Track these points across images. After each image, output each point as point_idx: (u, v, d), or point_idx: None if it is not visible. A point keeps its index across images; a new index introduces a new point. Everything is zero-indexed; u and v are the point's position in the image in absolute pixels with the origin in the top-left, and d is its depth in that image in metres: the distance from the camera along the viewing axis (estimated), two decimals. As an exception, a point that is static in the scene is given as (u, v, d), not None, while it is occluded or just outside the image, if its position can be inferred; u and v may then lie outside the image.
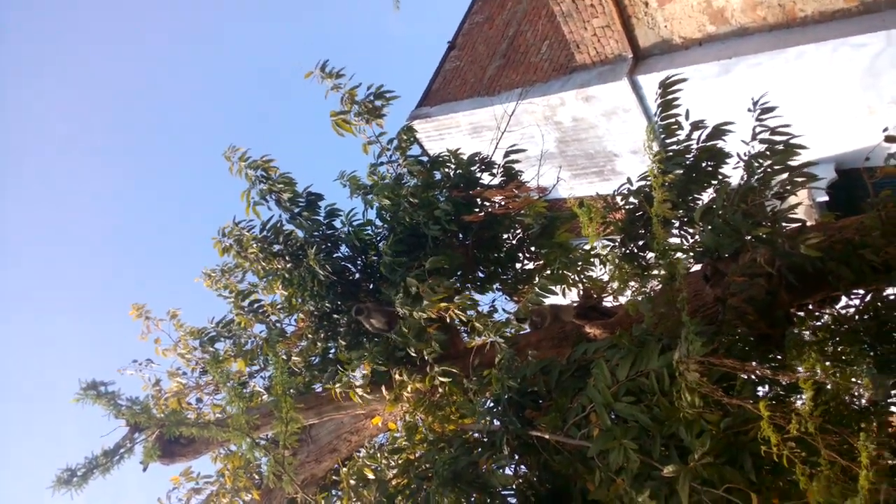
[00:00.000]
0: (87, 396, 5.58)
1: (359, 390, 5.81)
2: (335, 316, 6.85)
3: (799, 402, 3.43)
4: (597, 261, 5.97)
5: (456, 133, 12.14)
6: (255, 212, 6.91)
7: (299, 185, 6.86)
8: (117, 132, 34.46)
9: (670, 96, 5.02)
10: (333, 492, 6.93)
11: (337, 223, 6.93)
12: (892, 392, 3.89)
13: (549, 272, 6.09)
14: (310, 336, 6.84)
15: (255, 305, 7.23)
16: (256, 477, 6.84)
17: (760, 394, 3.85)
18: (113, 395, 5.67)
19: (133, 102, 35.40)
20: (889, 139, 4.25)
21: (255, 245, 6.91)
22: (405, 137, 6.82)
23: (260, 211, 6.91)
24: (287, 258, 6.89)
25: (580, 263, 5.93)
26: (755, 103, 4.66)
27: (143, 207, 35.80)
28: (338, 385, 5.79)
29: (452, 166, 6.63)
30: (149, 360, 7.25)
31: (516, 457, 4.60)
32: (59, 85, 31.54)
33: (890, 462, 2.52)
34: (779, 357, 4.11)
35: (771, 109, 4.63)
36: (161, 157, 36.38)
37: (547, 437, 4.22)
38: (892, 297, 4.31)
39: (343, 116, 6.61)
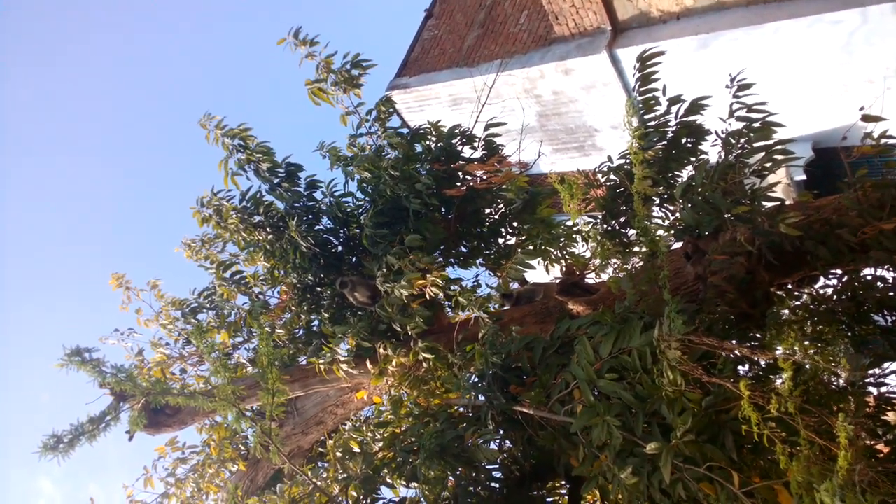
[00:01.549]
0: (71, 362, 5.54)
1: (343, 365, 5.84)
2: (318, 289, 6.85)
3: (779, 382, 3.54)
4: (579, 237, 6.03)
5: (436, 104, 12.04)
6: (233, 182, 6.84)
7: (278, 156, 6.81)
8: (94, 99, 33.54)
9: (648, 70, 5.02)
10: (319, 464, 7.01)
11: (318, 195, 6.90)
12: (869, 372, 4.03)
13: (529, 247, 6.15)
14: (293, 309, 6.85)
15: (237, 277, 7.20)
16: (242, 448, 6.90)
17: (741, 373, 3.96)
18: (98, 362, 5.63)
19: (107, 69, 34.41)
20: (866, 118, 4.31)
21: (234, 215, 6.85)
22: (384, 108, 6.78)
23: (238, 181, 6.85)
24: (268, 229, 6.85)
25: (562, 240, 5.99)
26: (732, 80, 4.68)
27: (120, 176, 35.09)
28: (321, 360, 5.82)
29: (433, 139, 6.61)
30: (131, 330, 7.21)
31: (501, 432, 4.68)
32: (29, 50, 30.48)
33: (867, 442, 2.63)
34: (758, 336, 4.21)
35: (748, 86, 4.66)
36: (139, 124, 35.54)
37: (531, 412, 4.30)
38: (868, 278, 4.41)
39: (319, 85, 6.54)
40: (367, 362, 5.98)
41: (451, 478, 4.85)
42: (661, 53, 5.04)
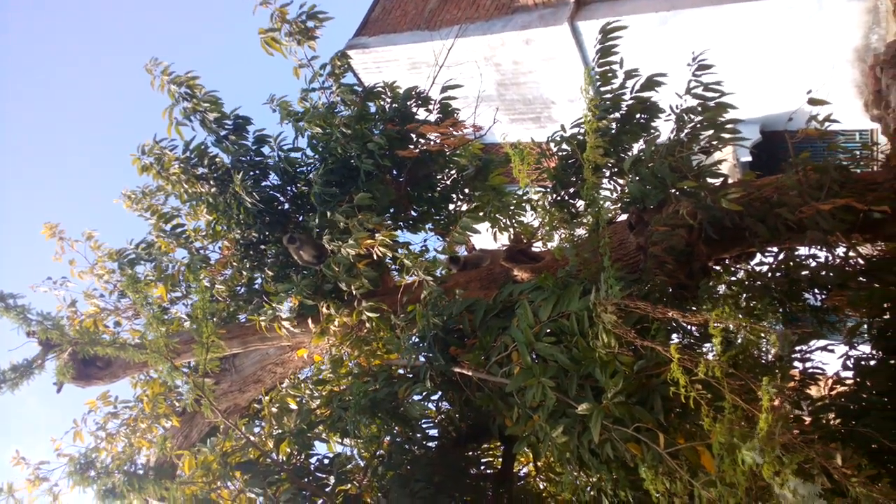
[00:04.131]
0: (-7, 308, 5.33)
1: (285, 323, 5.74)
2: (262, 246, 6.71)
3: (710, 356, 3.61)
4: (528, 206, 6.04)
5: (394, 67, 11.84)
6: (177, 131, 6.61)
7: (226, 108, 6.60)
8: (31, 36, 31.89)
9: (609, 43, 5.03)
10: (256, 421, 6.93)
11: (266, 150, 6.73)
12: (796, 347, 4.15)
13: (480, 212, 6.13)
14: (235, 265, 6.69)
15: (178, 230, 6.99)
16: (177, 404, 6.77)
17: (673, 341, 4.04)
18: (23, 309, 5.44)
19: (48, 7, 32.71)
20: (812, 101, 4.40)
21: (177, 166, 6.63)
22: (339, 64, 6.59)
23: (183, 132, 6.63)
24: (212, 182, 6.65)
25: (512, 208, 5.99)
26: (694, 58, 4.72)
27: (59, 119, 33.56)
28: (262, 318, 5.71)
29: (388, 99, 6.49)
30: (64, 279, 6.97)
31: (439, 393, 4.69)
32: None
33: (790, 414, 2.70)
34: (693, 308, 4.30)
35: (708, 67, 4.71)
36: (78, 66, 33.97)
37: (469, 374, 4.32)
38: (803, 257, 4.53)
39: (272, 35, 6.34)
40: (309, 321, 5.90)
41: (387, 437, 4.85)
42: (624, 28, 5.05)
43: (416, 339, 4.81)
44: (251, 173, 6.49)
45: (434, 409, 5.03)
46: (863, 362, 4.17)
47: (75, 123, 33.37)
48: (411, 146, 6.22)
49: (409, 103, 6.39)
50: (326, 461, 5.30)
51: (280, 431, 5.68)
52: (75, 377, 5.67)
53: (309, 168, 6.59)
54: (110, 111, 34.64)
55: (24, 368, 5.31)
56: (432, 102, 6.49)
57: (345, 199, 5.91)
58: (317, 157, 6.48)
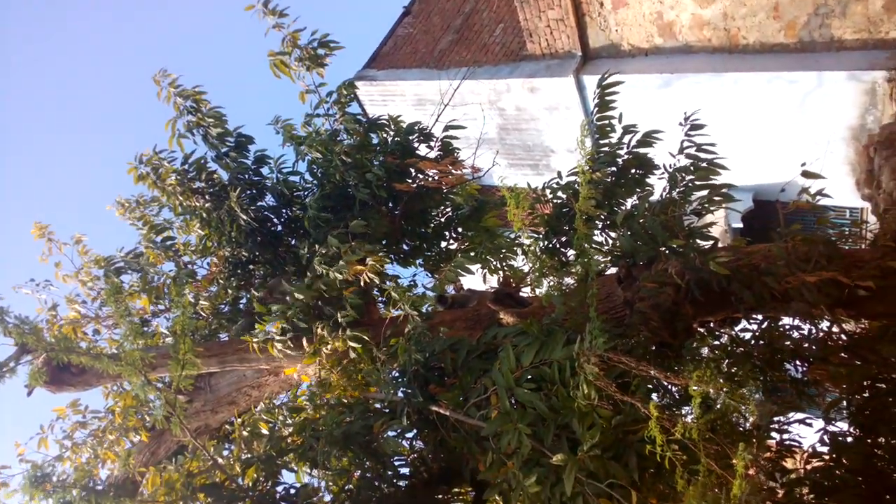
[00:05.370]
0: (-30, 309, 5.26)
1: (278, 344, 5.64)
2: (251, 266, 6.69)
3: (689, 418, 3.61)
4: (519, 251, 6.07)
5: (400, 101, 11.98)
6: (178, 143, 6.63)
7: (230, 125, 6.64)
8: (30, 40, 32.09)
9: (607, 98, 5.11)
10: (225, 444, 6.80)
11: (265, 171, 6.75)
12: (775, 418, 4.15)
13: (472, 253, 6.14)
14: (221, 282, 6.65)
15: (168, 242, 6.96)
16: (148, 419, 6.63)
17: (653, 400, 4.03)
18: (1, 311, 5.37)
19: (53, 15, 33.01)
20: (806, 174, 4.48)
21: (174, 178, 6.63)
22: (345, 93, 6.66)
23: (184, 144, 6.65)
24: (207, 197, 6.65)
25: (503, 251, 6.01)
26: (686, 118, 4.80)
27: (56, 127, 33.61)
28: (255, 338, 5.62)
29: (391, 132, 6.55)
30: (47, 282, 6.87)
31: (414, 430, 4.64)
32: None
33: (763, 486, 2.69)
34: (675, 368, 4.30)
35: (700, 126, 4.79)
36: (78, 71, 34.12)
37: (447, 413, 4.29)
38: (786, 327, 4.56)
39: (282, 58, 6.40)
40: (304, 341, 5.79)
41: (357, 472, 4.78)
42: (620, 83, 5.13)
43: (397, 374, 4.78)
44: (248, 192, 6.50)
45: (407, 446, 4.96)
46: (839, 438, 4.16)
47: (73, 125, 33.40)
48: (409, 180, 6.26)
49: (411, 138, 6.45)
50: (293, 491, 5.19)
51: (249, 456, 5.57)
52: (48, 381, 5.57)
53: (306, 193, 6.61)
54: (109, 115, 34.74)
55: (-5, 371, 5.23)
56: (434, 139, 6.56)
57: (338, 225, 5.91)
58: (314, 182, 6.50)
